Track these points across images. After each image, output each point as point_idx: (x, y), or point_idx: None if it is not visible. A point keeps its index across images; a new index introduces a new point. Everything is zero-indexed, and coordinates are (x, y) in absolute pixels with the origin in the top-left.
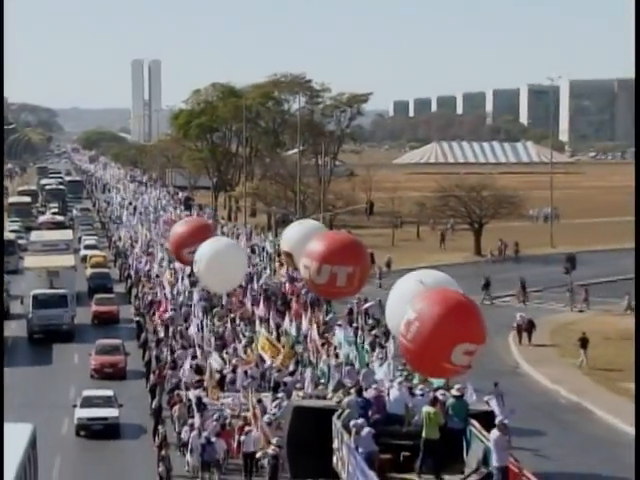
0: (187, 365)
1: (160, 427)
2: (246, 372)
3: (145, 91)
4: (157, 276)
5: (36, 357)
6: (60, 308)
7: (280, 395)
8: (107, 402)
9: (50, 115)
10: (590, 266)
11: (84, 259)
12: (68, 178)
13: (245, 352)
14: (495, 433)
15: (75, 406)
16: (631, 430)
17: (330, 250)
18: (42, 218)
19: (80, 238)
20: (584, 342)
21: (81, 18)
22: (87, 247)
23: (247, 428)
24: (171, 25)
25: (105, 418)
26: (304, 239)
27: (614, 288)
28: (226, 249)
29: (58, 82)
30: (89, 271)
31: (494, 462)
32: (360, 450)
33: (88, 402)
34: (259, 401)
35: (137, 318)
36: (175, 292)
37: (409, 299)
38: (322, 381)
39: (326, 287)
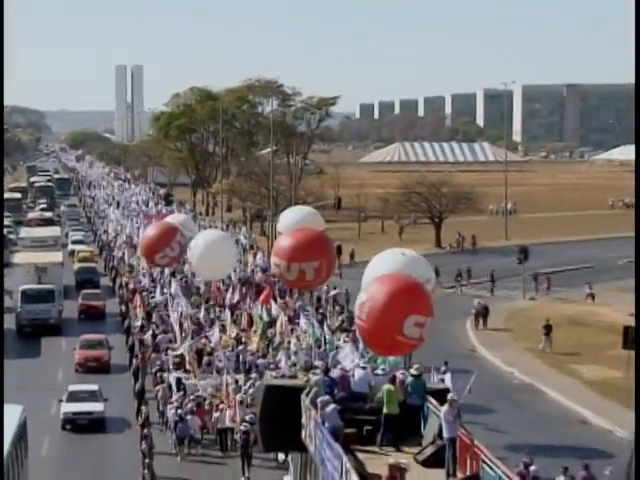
0: (167, 349)
1: (143, 407)
2: (222, 355)
3: (128, 94)
4: (139, 266)
5: (24, 350)
6: (47, 303)
7: (253, 376)
8: (92, 396)
9: (39, 117)
10: (541, 257)
11: (72, 253)
12: (56, 176)
13: (220, 337)
14: (445, 408)
15: (61, 401)
16: (579, 408)
17: (297, 248)
18: (31, 215)
19: (67, 233)
20: (548, 328)
21: (67, 26)
22: (74, 242)
23: (222, 406)
24: (153, 33)
25: (90, 412)
26: (300, 223)
27: (564, 277)
28: (220, 240)
29: (46, 86)
30: (77, 265)
31: (444, 434)
32: (326, 425)
33: (74, 397)
34: (235, 382)
35: (121, 306)
36: (155, 281)
37: (388, 267)
38: (293, 359)
39: (296, 282)
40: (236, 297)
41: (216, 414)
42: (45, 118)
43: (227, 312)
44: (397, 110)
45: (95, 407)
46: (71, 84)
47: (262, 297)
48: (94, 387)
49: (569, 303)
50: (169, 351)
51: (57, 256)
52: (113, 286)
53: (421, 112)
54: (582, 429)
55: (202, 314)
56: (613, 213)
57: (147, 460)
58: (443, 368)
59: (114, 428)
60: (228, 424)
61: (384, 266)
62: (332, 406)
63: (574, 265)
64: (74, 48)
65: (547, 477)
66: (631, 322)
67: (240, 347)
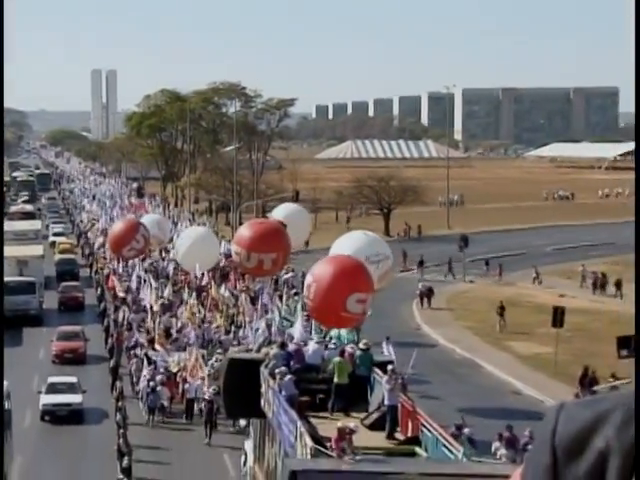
0: (139, 327)
1: (118, 382)
2: (189, 332)
3: (103, 96)
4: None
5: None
6: (28, 295)
7: (219, 351)
8: (71, 388)
9: (21, 116)
10: (480, 244)
11: (52, 245)
12: (37, 171)
13: (188, 316)
14: (385, 378)
15: (40, 392)
16: (513, 380)
17: (256, 239)
18: (13, 208)
19: (48, 225)
20: (502, 309)
21: (46, 32)
22: (55, 234)
23: (189, 378)
24: (125, 40)
25: (69, 404)
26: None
27: (499, 263)
28: (204, 237)
29: (28, 88)
30: (57, 257)
31: (386, 401)
32: (283, 393)
33: (52, 388)
34: (202, 356)
35: (97, 290)
36: (128, 265)
37: (352, 244)
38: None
39: (255, 270)
40: (204, 280)
41: (185, 385)
42: (27, 118)
43: (194, 294)
44: (350, 111)
45: (74, 399)
46: (50, 86)
47: (229, 282)
48: (73, 379)
49: (505, 286)
50: (141, 330)
51: (38, 249)
52: (90, 272)
53: (371, 113)
54: (515, 399)
55: (171, 296)
56: (547, 205)
57: (121, 430)
58: (385, 342)
59: (92, 419)
60: (194, 395)
61: (349, 243)
62: (288, 376)
63: (508, 252)
64: (52, 53)
65: (480, 439)
66: (559, 303)
67: (206, 325)
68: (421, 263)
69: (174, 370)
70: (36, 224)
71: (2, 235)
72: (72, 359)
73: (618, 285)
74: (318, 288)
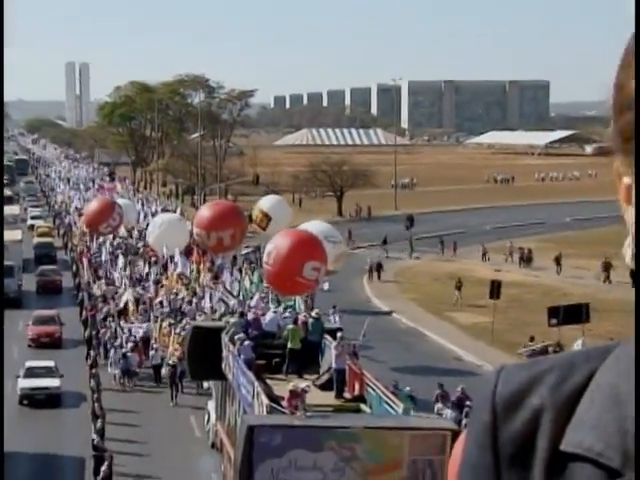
0: (112, 299)
1: (91, 351)
2: (160, 303)
3: (77, 87)
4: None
5: None
6: (7, 278)
7: (183, 320)
8: (49, 372)
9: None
10: (425, 224)
11: (31, 228)
12: (15, 157)
13: (155, 288)
14: (334, 344)
15: (18, 376)
16: (454, 347)
17: (215, 219)
18: None
19: (26, 209)
20: (459, 284)
21: (21, 26)
22: (33, 217)
23: (156, 345)
24: (98, 34)
25: (47, 388)
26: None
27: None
28: (174, 223)
29: (6, 79)
30: (36, 240)
31: (334, 364)
32: (242, 357)
33: (30, 372)
34: (169, 324)
35: (72, 266)
36: (99, 243)
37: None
38: (216, 306)
39: (216, 247)
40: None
41: (152, 352)
42: (6, 107)
43: (161, 268)
44: (305, 101)
45: (52, 383)
46: (27, 77)
47: (193, 258)
48: (50, 363)
49: (447, 262)
50: (112, 302)
51: (16, 234)
52: (65, 249)
53: (325, 103)
54: (456, 364)
55: (140, 270)
56: (488, 187)
57: (95, 395)
58: (332, 311)
59: (69, 403)
60: (160, 361)
61: (309, 227)
62: (247, 342)
63: (450, 230)
64: (29, 46)
65: (423, 398)
66: (496, 277)
67: (172, 297)
68: (385, 241)
69: (142, 338)
70: (15, 209)
71: (2, 227)
72: (48, 343)
73: (557, 260)
74: (278, 255)
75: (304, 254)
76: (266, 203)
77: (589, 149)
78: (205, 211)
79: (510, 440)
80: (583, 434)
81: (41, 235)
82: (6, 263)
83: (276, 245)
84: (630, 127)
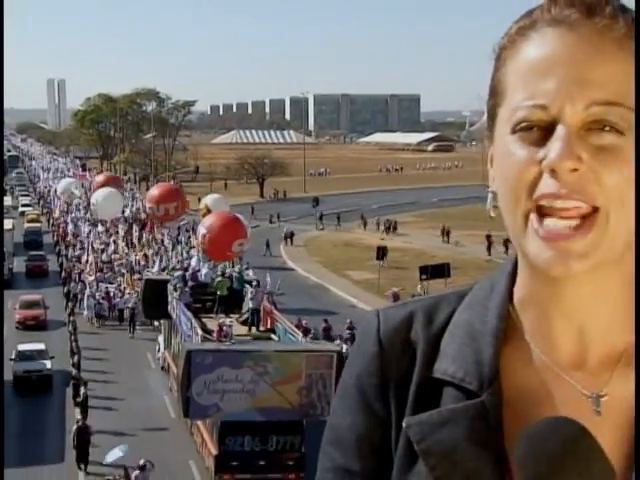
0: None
1: (70, 303)
2: (121, 263)
3: (56, 98)
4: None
5: None
6: None
7: (138, 275)
8: (40, 355)
9: None
10: (328, 204)
11: (22, 214)
12: (8, 154)
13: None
14: (251, 289)
15: (12, 359)
16: (350, 298)
17: (162, 195)
18: None
19: (18, 197)
20: (384, 251)
21: (9, 50)
22: (24, 205)
23: (119, 294)
24: (71, 56)
25: (40, 370)
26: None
27: (343, 216)
28: (113, 194)
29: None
30: (26, 225)
31: (250, 305)
32: (182, 301)
33: (23, 355)
34: (130, 278)
35: (53, 236)
36: (74, 216)
37: None
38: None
39: (163, 217)
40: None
41: (117, 299)
42: None
43: (121, 235)
44: (234, 109)
45: (43, 365)
46: (17, 89)
47: (147, 229)
48: (41, 346)
49: (344, 232)
50: (84, 262)
51: (7, 223)
52: (48, 224)
53: (250, 110)
54: (351, 310)
55: (105, 237)
56: (380, 175)
57: (72, 337)
58: (245, 266)
59: (58, 381)
60: (123, 306)
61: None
62: (186, 290)
63: (347, 208)
64: (17, 65)
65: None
66: (380, 244)
67: (131, 258)
68: (321, 217)
69: (109, 289)
70: (7, 200)
71: (2, 220)
72: (34, 325)
73: (447, 233)
74: (210, 238)
75: (231, 235)
76: (209, 200)
77: (430, 147)
78: (154, 190)
79: (392, 367)
80: (447, 364)
81: (30, 221)
82: None
83: (207, 229)
84: (493, 108)
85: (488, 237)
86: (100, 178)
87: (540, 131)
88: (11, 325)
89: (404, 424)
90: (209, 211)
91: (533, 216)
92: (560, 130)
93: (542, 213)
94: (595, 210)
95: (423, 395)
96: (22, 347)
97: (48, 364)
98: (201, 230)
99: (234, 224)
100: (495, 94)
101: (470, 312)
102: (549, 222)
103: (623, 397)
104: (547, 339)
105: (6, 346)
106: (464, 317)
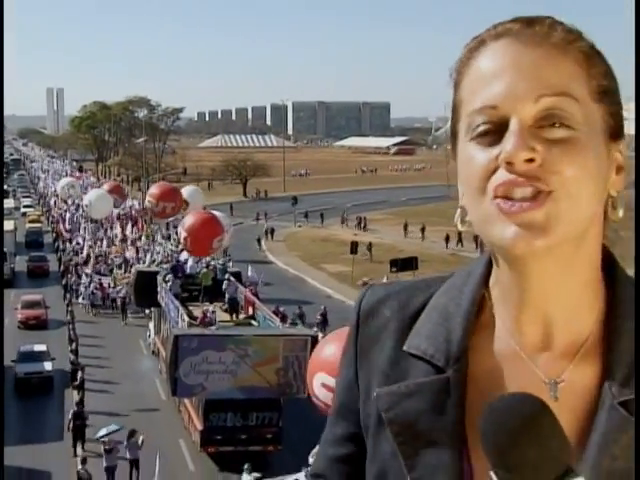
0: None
1: (67, 294)
2: (115, 256)
3: (55, 105)
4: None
5: None
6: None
7: (132, 268)
8: (42, 356)
9: None
10: (306, 202)
11: (24, 215)
12: (11, 157)
13: (111, 247)
14: (225, 281)
15: (14, 361)
16: (326, 289)
17: (161, 194)
18: None
19: (20, 199)
20: (370, 247)
21: (10, 61)
22: (26, 206)
23: (111, 284)
24: (69, 67)
25: (41, 372)
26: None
27: (317, 214)
28: (102, 196)
29: (2, 99)
30: (27, 225)
31: (227, 295)
32: (171, 291)
33: (24, 357)
34: (123, 272)
35: (52, 230)
36: (71, 214)
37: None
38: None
39: (160, 213)
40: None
41: (110, 290)
42: (2, 120)
43: (116, 230)
44: (219, 116)
45: (45, 366)
46: (18, 98)
47: (138, 225)
48: (43, 347)
49: (321, 229)
50: (79, 256)
51: (9, 225)
52: (47, 221)
53: (234, 117)
54: (328, 300)
55: (100, 233)
56: (356, 176)
57: (70, 325)
58: (227, 258)
59: (58, 381)
60: (116, 295)
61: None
62: (175, 281)
63: (324, 206)
64: (19, 75)
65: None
66: (354, 239)
67: (127, 253)
68: (306, 215)
69: (102, 280)
70: (10, 202)
71: (2, 220)
72: (35, 325)
73: (407, 227)
74: (192, 240)
75: (210, 234)
76: (185, 192)
77: (392, 150)
78: (155, 189)
79: (366, 338)
80: (420, 341)
81: (31, 221)
82: None
83: (188, 231)
84: (454, 126)
85: (447, 236)
86: (105, 187)
87: (495, 133)
88: (13, 324)
89: (374, 394)
90: (186, 203)
91: (497, 201)
92: (513, 125)
93: (504, 199)
94: (552, 193)
95: (395, 368)
96: (24, 348)
97: (49, 366)
98: (182, 233)
99: (211, 223)
100: (454, 112)
101: (446, 295)
102: (509, 202)
103: (583, 384)
104: (515, 324)
105: (9, 345)
106: (440, 300)
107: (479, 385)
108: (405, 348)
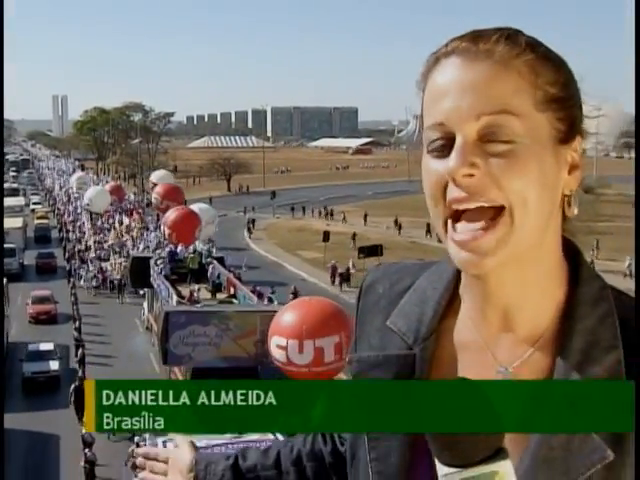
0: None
1: (72, 279)
2: (111, 244)
3: (59, 110)
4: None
5: None
6: (10, 258)
7: (127, 254)
8: (49, 355)
9: (9, 123)
10: (284, 196)
11: (33, 211)
12: (21, 157)
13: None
14: (214, 264)
15: (22, 360)
16: (302, 273)
17: (165, 192)
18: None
19: (29, 197)
20: (354, 236)
21: (16, 70)
22: (35, 203)
23: (110, 268)
24: (71, 76)
25: (48, 371)
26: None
27: (298, 207)
28: (101, 192)
29: (14, 105)
30: (36, 222)
31: (215, 277)
32: (162, 273)
33: (32, 356)
34: (121, 258)
35: (58, 223)
36: (74, 207)
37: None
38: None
39: (164, 209)
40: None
41: (108, 273)
42: (14, 124)
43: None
44: (206, 119)
45: (52, 365)
46: (26, 104)
47: (133, 217)
48: (50, 346)
49: (297, 220)
50: (80, 243)
51: (18, 222)
52: (53, 214)
53: (219, 120)
54: (302, 283)
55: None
56: (329, 173)
57: (74, 306)
58: (211, 244)
59: (65, 379)
60: (114, 277)
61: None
62: (166, 264)
63: (299, 199)
64: (26, 85)
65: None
66: (327, 229)
67: (123, 240)
68: (292, 209)
69: (103, 266)
70: (20, 200)
71: (2, 219)
72: (45, 319)
73: (396, 222)
74: (177, 235)
75: (190, 226)
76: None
77: (351, 151)
78: (160, 188)
79: (363, 310)
80: (398, 318)
81: (40, 218)
82: (8, 245)
83: (171, 227)
84: (419, 136)
85: (396, 221)
86: (107, 187)
87: (446, 147)
88: (24, 319)
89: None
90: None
91: (449, 222)
92: (457, 142)
93: (455, 218)
94: (501, 210)
95: (378, 339)
96: (31, 347)
97: (55, 365)
98: (166, 230)
99: (190, 217)
100: (420, 123)
101: (427, 279)
102: (460, 226)
103: (534, 375)
104: (479, 313)
105: (19, 338)
106: (422, 283)
107: (442, 367)
108: (387, 323)
